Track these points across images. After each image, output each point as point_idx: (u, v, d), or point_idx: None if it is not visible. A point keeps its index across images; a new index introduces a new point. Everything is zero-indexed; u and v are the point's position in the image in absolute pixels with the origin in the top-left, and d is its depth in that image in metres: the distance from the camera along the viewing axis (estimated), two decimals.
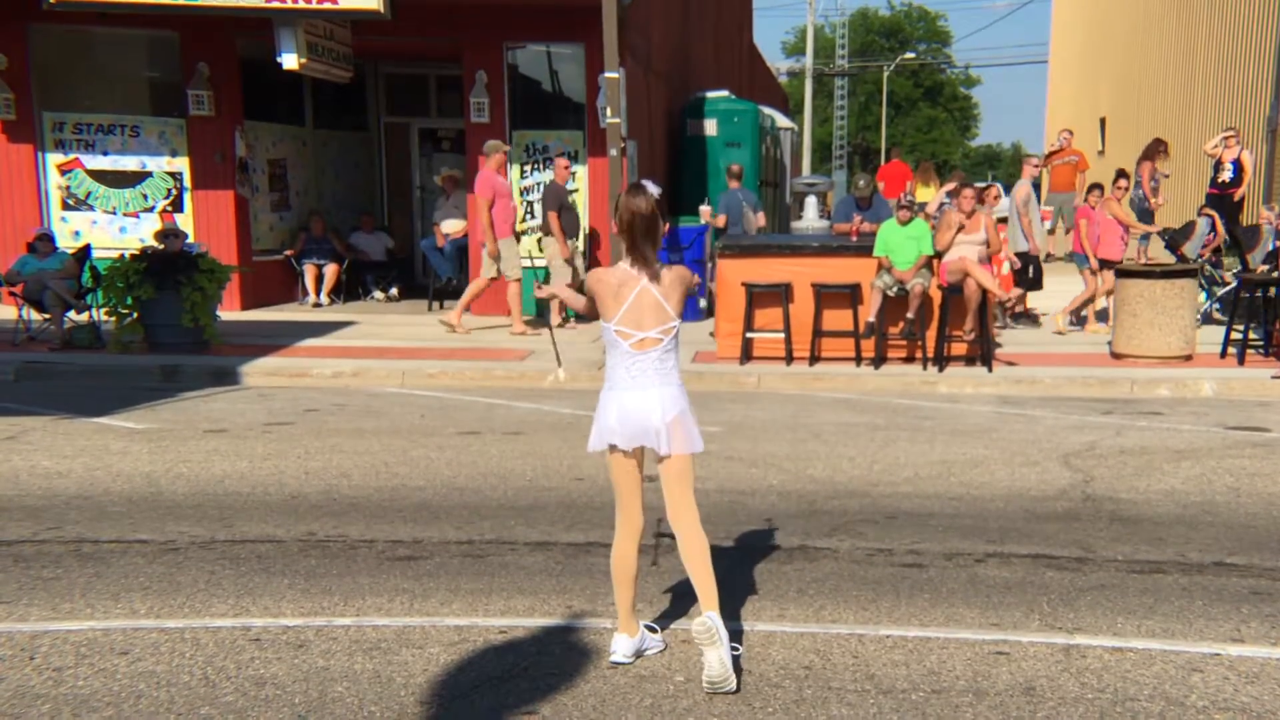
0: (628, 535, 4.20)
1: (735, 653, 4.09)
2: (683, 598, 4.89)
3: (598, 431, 4.13)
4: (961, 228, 10.49)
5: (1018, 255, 12.82)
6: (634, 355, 4.03)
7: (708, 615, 3.94)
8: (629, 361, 4.04)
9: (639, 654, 4.23)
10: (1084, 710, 3.86)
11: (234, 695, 3.92)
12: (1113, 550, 5.59)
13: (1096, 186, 12.94)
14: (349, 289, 15.64)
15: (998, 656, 4.30)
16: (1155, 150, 15.33)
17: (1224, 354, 11.05)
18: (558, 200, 12.71)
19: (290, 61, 11.79)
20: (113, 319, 11.22)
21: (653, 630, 4.38)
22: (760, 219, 14.37)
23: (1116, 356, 11.03)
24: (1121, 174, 13.37)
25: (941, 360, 10.63)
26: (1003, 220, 13.17)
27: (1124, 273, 11.19)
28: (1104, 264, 12.20)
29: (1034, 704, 3.90)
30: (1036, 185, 15.28)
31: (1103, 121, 28.92)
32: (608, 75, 11.48)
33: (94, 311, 11.62)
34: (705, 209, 14.07)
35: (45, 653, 4.27)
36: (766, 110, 19.96)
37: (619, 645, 4.19)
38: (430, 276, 15.20)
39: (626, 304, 4.03)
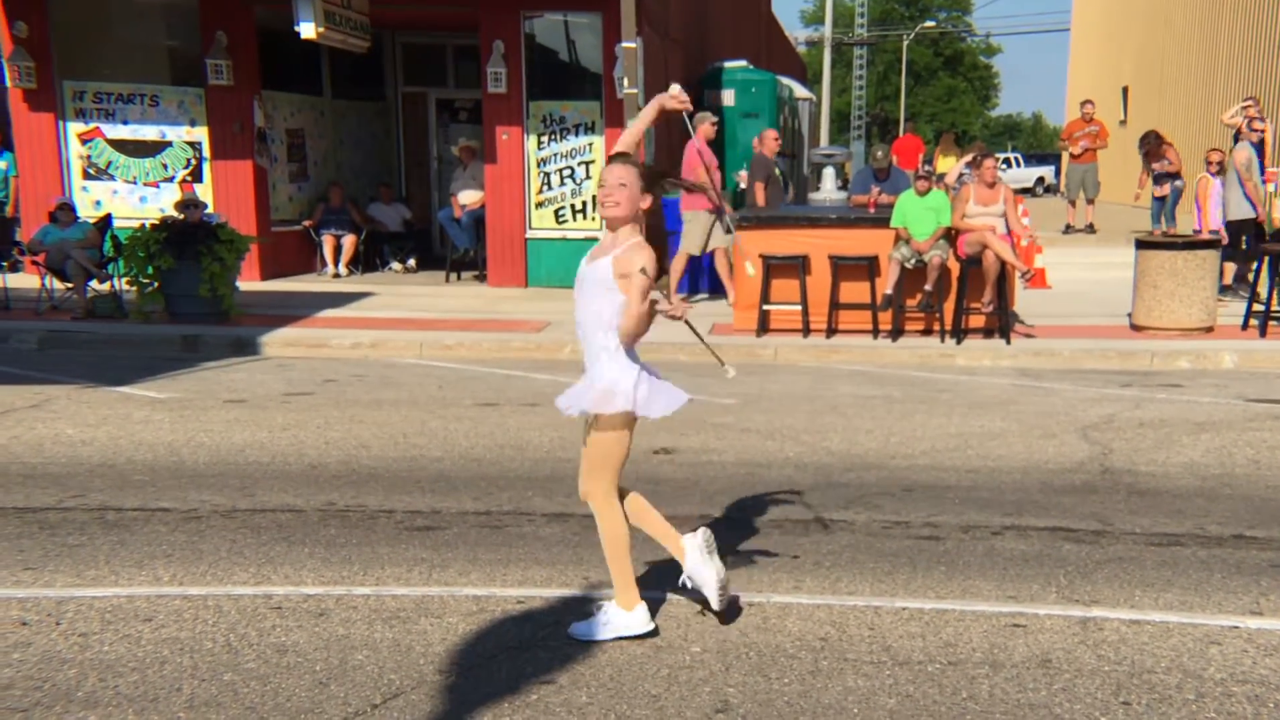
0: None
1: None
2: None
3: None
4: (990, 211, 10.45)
5: (1233, 224, 12.42)
6: None
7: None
8: None
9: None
10: (1101, 682, 3.87)
11: (256, 662, 3.97)
12: (1131, 523, 5.58)
13: None
14: (367, 260, 15.68)
15: (1014, 629, 4.32)
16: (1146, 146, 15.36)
17: (1245, 326, 10.97)
18: (765, 171, 12.75)
19: (308, 30, 11.77)
20: (134, 288, 11.30)
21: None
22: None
23: (1136, 328, 10.97)
24: None
25: (959, 332, 10.59)
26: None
27: (1145, 244, 11.11)
28: None
29: (1050, 676, 3.92)
30: (1058, 157, 15.19)
31: (1125, 90, 28.61)
32: (625, 45, 11.43)
33: (115, 281, 11.70)
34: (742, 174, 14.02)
35: (71, 618, 4.34)
36: (784, 80, 19.82)
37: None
38: (447, 247, 15.21)
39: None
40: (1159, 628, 4.34)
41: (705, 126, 12.43)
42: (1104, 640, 4.22)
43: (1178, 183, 15.26)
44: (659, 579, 4.78)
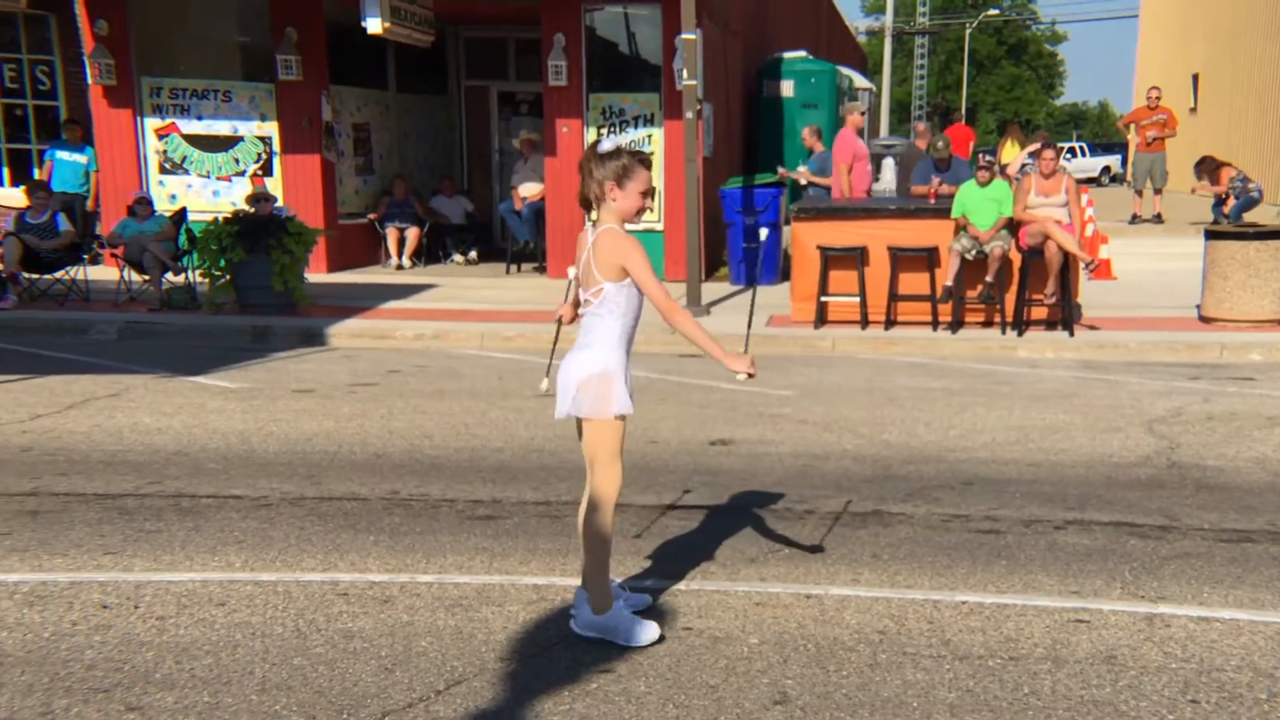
0: (585, 493, 4.20)
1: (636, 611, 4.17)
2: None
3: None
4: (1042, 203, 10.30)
5: None
6: (583, 314, 4.07)
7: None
8: (582, 320, 4.09)
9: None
10: (1167, 680, 3.83)
11: (324, 647, 4.08)
12: (1199, 518, 5.50)
13: None
14: (429, 252, 15.87)
15: (1077, 624, 4.28)
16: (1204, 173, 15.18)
17: None
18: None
19: (374, 26, 11.94)
20: (207, 281, 11.57)
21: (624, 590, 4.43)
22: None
23: (1205, 320, 10.75)
24: None
25: (1021, 324, 10.46)
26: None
27: (1215, 234, 10.88)
28: None
29: (1115, 673, 3.88)
30: (1125, 146, 15.02)
31: (1195, 78, 27.95)
32: (684, 36, 11.42)
33: (190, 273, 11.98)
34: (800, 169, 13.89)
35: (149, 602, 4.48)
36: (844, 70, 19.67)
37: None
38: (508, 239, 15.34)
39: (579, 264, 4.06)
40: (1228, 625, 4.27)
41: (854, 116, 12.33)
42: (1171, 637, 4.17)
43: (1254, 195, 14.96)
44: (713, 572, 4.82)
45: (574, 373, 3.99)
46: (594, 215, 4.06)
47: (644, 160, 4.02)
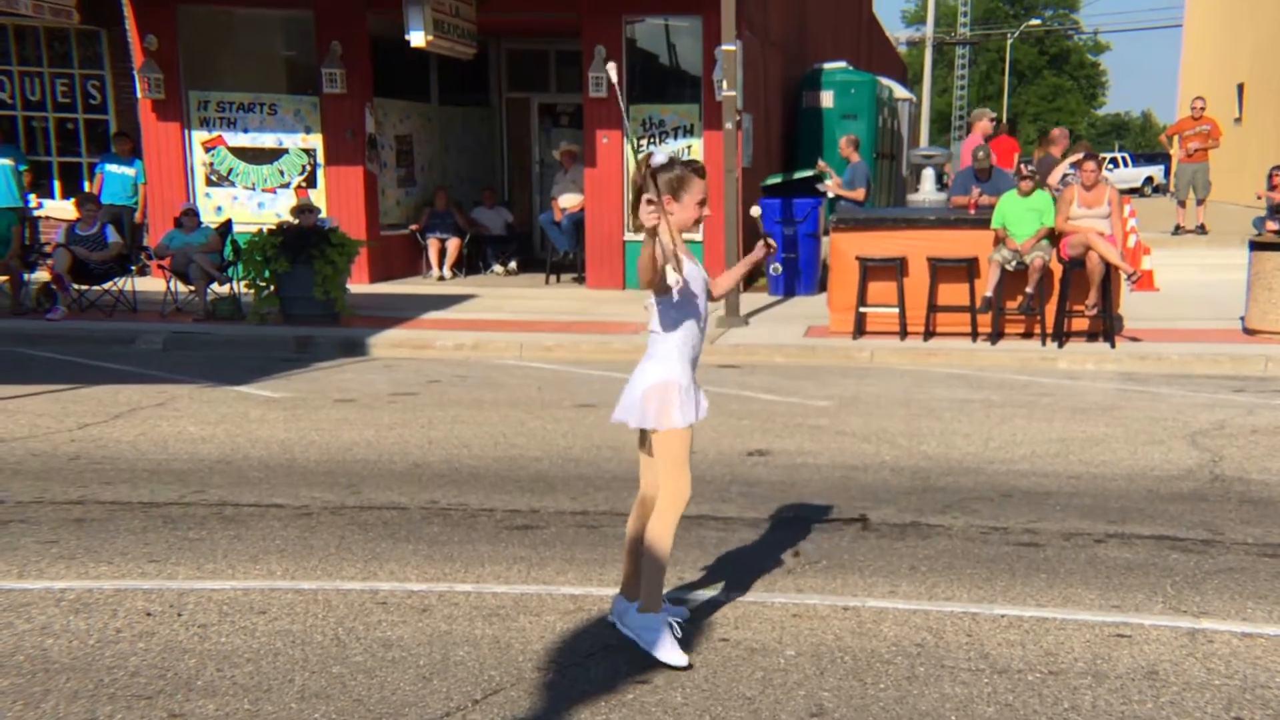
0: (636, 503, 4.21)
1: (676, 633, 4.08)
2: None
3: None
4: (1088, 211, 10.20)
5: None
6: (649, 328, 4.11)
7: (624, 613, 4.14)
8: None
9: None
10: (1210, 696, 3.78)
11: (363, 656, 4.12)
12: (1242, 533, 5.42)
13: None
14: (470, 262, 16.00)
15: (1118, 639, 4.24)
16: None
17: None
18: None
19: (418, 39, 12.07)
20: (251, 291, 11.74)
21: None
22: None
23: (1249, 332, 10.60)
24: None
25: (1061, 336, 10.36)
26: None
27: (1260, 245, 10.73)
28: None
29: (1157, 688, 3.84)
30: (1168, 156, 14.87)
31: (1241, 87, 27.55)
32: (725, 48, 11.45)
33: (234, 284, 12.16)
34: (832, 179, 13.78)
35: (191, 610, 4.55)
36: (884, 81, 19.63)
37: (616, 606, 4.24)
38: (548, 250, 15.43)
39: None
40: (1273, 641, 4.21)
41: (983, 123, 12.24)
42: (1214, 653, 4.12)
43: None
44: (750, 583, 4.82)
45: (639, 383, 4.03)
46: None
47: (698, 170, 4.01)
